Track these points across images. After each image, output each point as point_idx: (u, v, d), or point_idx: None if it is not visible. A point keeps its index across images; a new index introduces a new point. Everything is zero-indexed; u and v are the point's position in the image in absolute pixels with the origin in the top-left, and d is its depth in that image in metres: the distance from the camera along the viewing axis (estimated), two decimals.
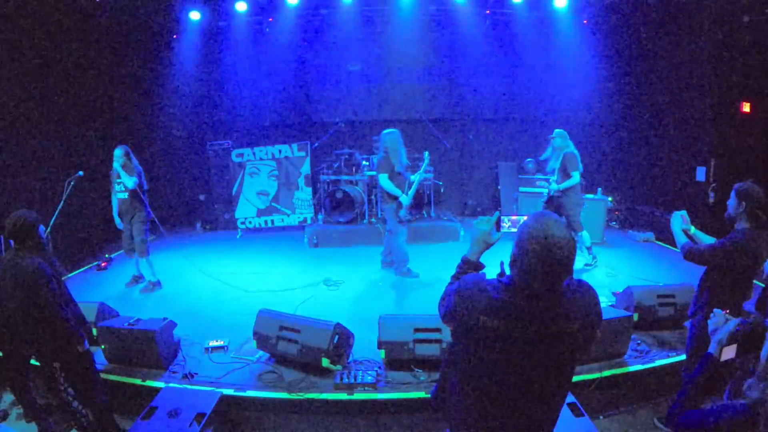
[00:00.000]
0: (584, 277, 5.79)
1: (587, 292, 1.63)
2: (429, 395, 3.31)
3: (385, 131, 5.59)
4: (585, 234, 6.03)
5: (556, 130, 5.98)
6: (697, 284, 3.21)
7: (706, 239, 3.21)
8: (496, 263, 1.79)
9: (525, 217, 1.89)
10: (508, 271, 1.64)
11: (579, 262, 6.21)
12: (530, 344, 1.52)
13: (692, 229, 3.24)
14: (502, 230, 1.93)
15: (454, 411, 1.73)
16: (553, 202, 5.96)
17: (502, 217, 1.92)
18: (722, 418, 1.65)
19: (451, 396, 1.75)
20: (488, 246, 1.94)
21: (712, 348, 1.90)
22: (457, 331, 1.66)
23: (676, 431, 1.83)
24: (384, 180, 5.43)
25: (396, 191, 5.44)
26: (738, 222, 2.95)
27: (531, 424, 1.64)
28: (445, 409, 1.83)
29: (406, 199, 5.47)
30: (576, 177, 5.69)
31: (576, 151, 5.80)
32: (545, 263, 1.46)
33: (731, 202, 2.98)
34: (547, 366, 1.56)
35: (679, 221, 3.21)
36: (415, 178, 5.67)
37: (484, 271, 1.91)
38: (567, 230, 1.53)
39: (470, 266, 1.91)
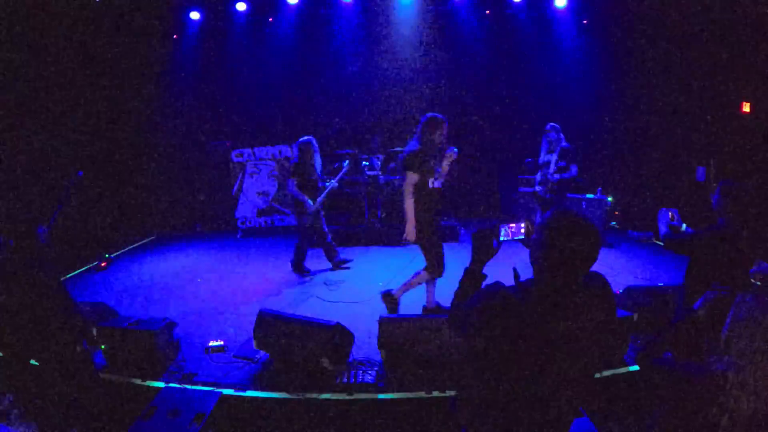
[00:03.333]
0: None
1: (599, 277, 1.67)
2: (429, 395, 3.33)
3: (301, 139, 5.73)
4: None
5: (550, 124, 6.05)
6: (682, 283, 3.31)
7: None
8: (494, 273, 1.79)
9: (523, 224, 1.90)
10: (521, 277, 1.65)
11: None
12: (564, 341, 1.53)
13: (683, 226, 3.34)
14: (501, 239, 1.92)
15: (482, 418, 1.73)
16: (547, 197, 6.04)
17: (501, 226, 1.92)
18: (690, 377, 1.74)
19: (474, 407, 1.74)
20: (490, 256, 1.93)
21: (697, 305, 2.00)
22: (487, 345, 1.64)
23: (644, 370, 1.92)
24: (292, 186, 5.63)
25: (303, 197, 5.62)
26: (720, 216, 3.07)
27: (560, 421, 1.67)
28: (468, 417, 1.81)
29: (310, 205, 5.66)
30: (575, 170, 5.83)
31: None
32: (577, 250, 1.49)
33: (716, 197, 3.10)
34: (580, 360, 1.59)
35: (666, 216, 3.32)
36: (328, 184, 5.92)
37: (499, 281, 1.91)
38: (587, 216, 1.56)
39: (475, 279, 1.91)
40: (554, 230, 1.52)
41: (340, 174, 6.20)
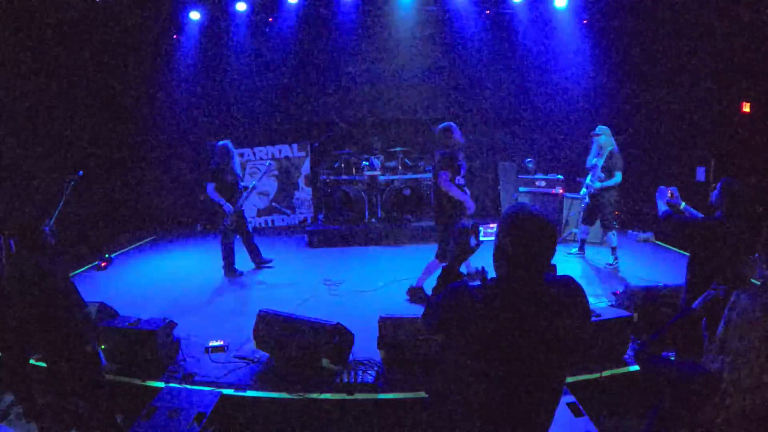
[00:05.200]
0: (583, 275, 5.79)
1: (572, 285, 1.63)
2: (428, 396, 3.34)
3: (218, 144, 5.87)
4: (614, 234, 6.03)
5: (600, 127, 5.94)
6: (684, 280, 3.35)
7: (696, 214, 3.37)
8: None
9: None
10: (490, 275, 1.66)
11: (601, 261, 6.30)
12: (521, 343, 1.52)
13: (682, 204, 3.39)
14: (480, 238, 1.94)
15: (452, 415, 1.72)
16: (591, 201, 6.01)
17: (480, 226, 1.95)
18: (686, 376, 1.74)
19: (448, 401, 1.75)
20: (468, 256, 1.95)
21: (696, 304, 1.99)
22: (447, 341, 1.67)
23: (642, 367, 1.92)
24: (210, 189, 5.74)
25: (220, 200, 5.72)
26: (717, 211, 3.13)
27: (529, 423, 1.64)
28: (441, 415, 1.83)
29: (229, 208, 5.77)
30: (619, 177, 5.74)
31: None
32: (530, 240, 1.49)
33: (716, 193, 3.14)
34: (539, 363, 1.56)
35: (664, 193, 3.38)
36: (251, 185, 6.07)
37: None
38: (545, 212, 1.57)
39: (451, 276, 1.92)
40: (507, 227, 1.53)
41: (261, 175, 6.44)
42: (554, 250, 1.55)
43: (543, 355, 1.55)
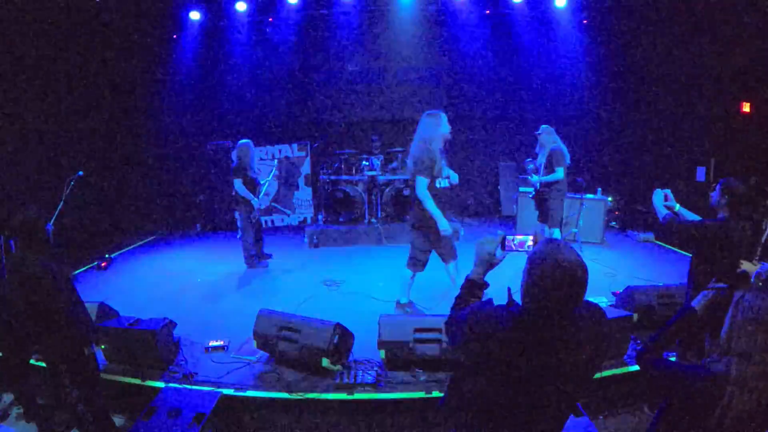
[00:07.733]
0: None
1: (596, 313, 1.62)
2: (429, 395, 3.33)
3: (240, 142, 6.12)
4: (557, 232, 6.05)
5: (543, 126, 6.03)
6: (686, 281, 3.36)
7: (691, 216, 3.38)
8: (499, 280, 1.78)
9: (531, 237, 1.88)
10: (515, 299, 1.64)
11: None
12: (543, 374, 1.52)
13: (677, 207, 3.42)
14: (506, 250, 1.90)
15: (463, 425, 1.73)
16: (538, 198, 6.12)
17: (507, 236, 1.91)
18: (691, 379, 1.72)
19: (459, 410, 1.75)
20: (492, 266, 1.91)
21: (694, 303, 1.98)
22: (467, 362, 1.66)
23: (645, 370, 1.92)
24: (239, 185, 5.94)
25: (250, 195, 5.99)
26: (719, 213, 3.15)
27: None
28: (453, 419, 1.83)
29: (257, 202, 6.09)
30: (559, 173, 5.76)
31: (563, 147, 5.85)
32: (560, 286, 1.45)
33: (715, 194, 3.15)
34: (558, 392, 1.57)
35: (660, 196, 3.39)
36: (264, 182, 6.45)
37: (488, 291, 1.89)
38: (578, 254, 1.52)
39: (475, 287, 1.89)
40: (538, 272, 1.48)
41: (272, 173, 6.75)
42: (585, 292, 1.49)
43: (563, 383, 1.56)
